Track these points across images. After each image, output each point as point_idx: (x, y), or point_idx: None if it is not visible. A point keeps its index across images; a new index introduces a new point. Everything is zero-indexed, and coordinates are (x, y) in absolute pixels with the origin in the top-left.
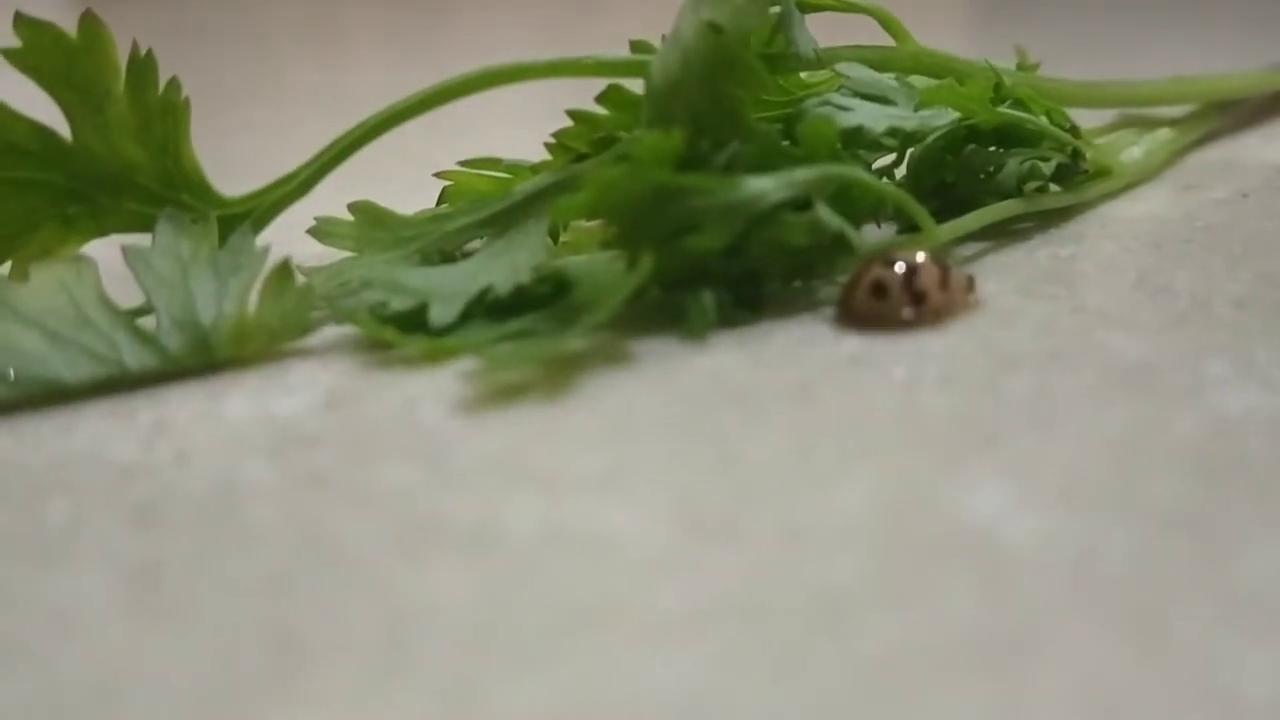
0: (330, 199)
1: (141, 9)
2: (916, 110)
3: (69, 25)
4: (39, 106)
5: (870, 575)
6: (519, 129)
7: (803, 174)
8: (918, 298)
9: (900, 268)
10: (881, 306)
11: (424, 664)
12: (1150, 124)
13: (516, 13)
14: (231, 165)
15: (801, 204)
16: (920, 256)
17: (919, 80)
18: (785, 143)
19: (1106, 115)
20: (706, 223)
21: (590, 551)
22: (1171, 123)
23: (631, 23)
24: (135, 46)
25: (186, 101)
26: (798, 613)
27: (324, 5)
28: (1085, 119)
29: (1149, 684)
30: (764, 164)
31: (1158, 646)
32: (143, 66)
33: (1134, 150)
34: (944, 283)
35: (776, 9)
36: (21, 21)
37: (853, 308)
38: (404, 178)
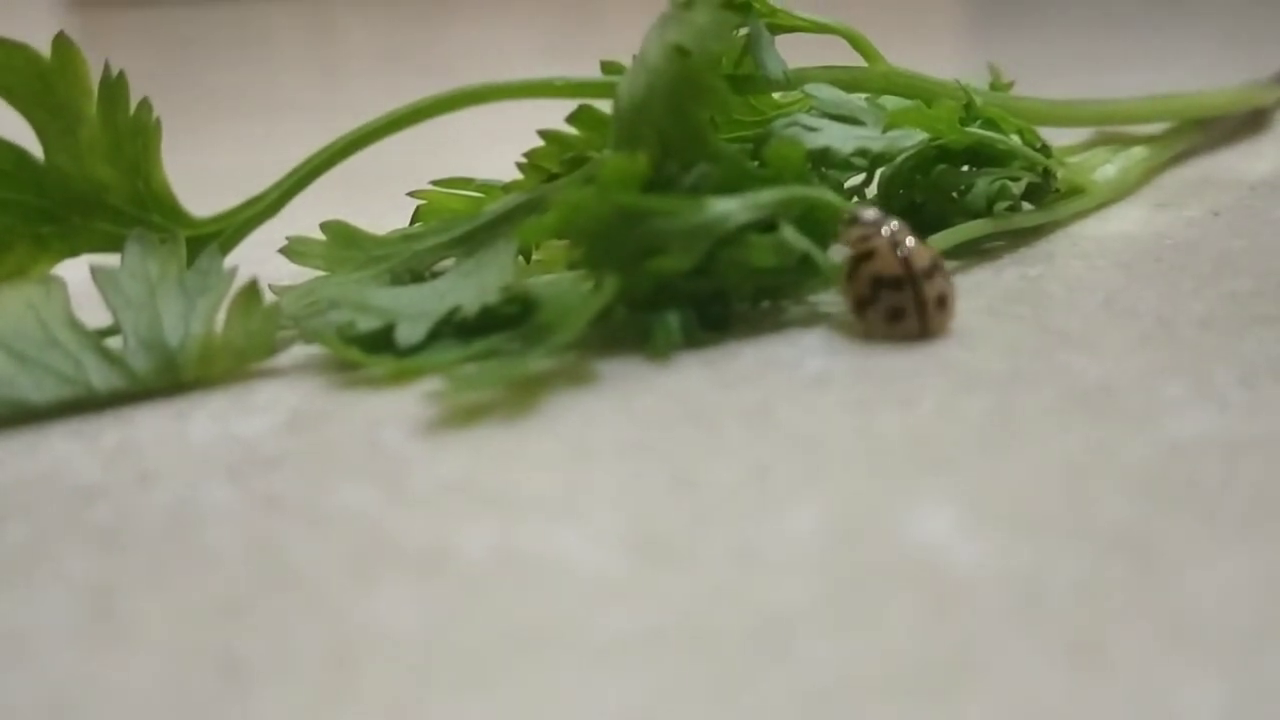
0: (311, 217)
1: (140, 24)
2: (885, 131)
3: (70, 31)
4: (10, 127)
5: (816, 600)
6: (504, 145)
7: (768, 195)
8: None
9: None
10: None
11: (368, 688)
12: (1126, 141)
13: (515, 27)
14: (226, 180)
15: (768, 225)
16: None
17: (891, 100)
18: (753, 163)
19: (1084, 133)
20: (672, 244)
21: (539, 574)
22: (1147, 140)
23: (628, 37)
24: (107, 67)
25: (157, 122)
26: (743, 637)
27: (322, 22)
28: (1062, 137)
29: (1087, 709)
30: (730, 185)
31: (1097, 672)
32: (114, 88)
33: (1108, 168)
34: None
35: (745, 30)
36: None
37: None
38: (387, 195)
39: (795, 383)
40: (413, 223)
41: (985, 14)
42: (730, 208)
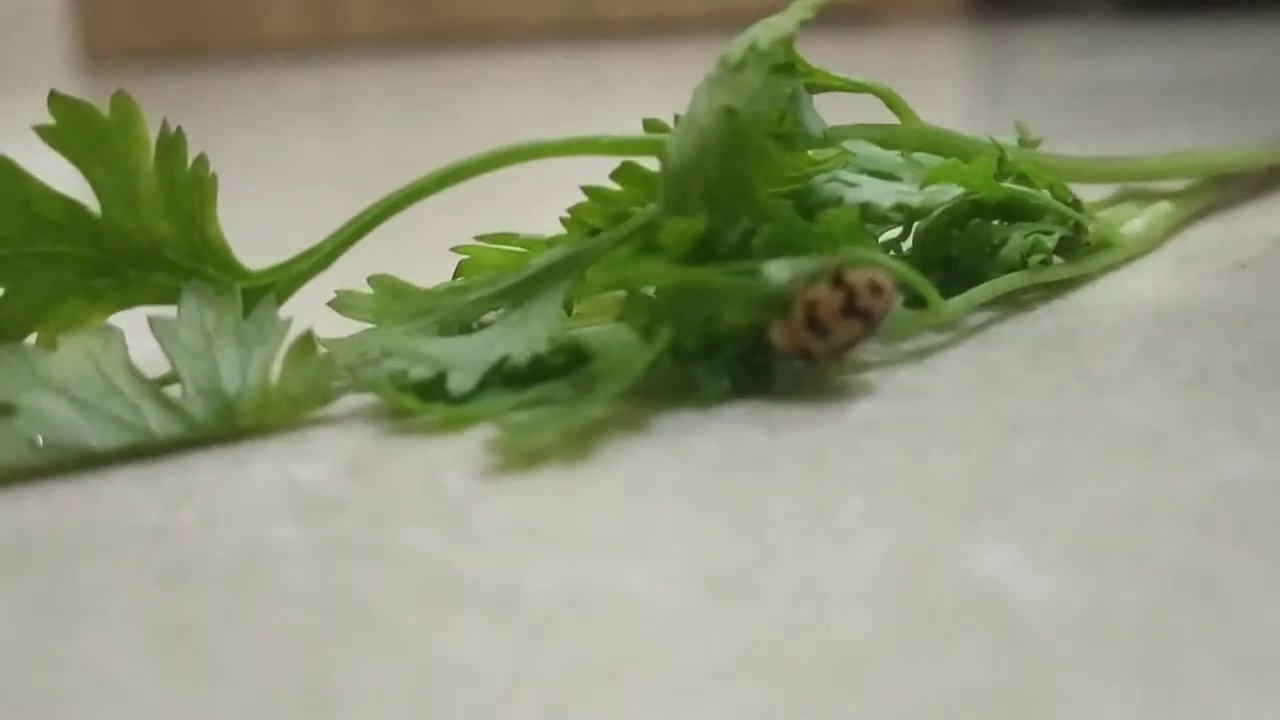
0: (349, 272)
1: (148, 87)
2: (922, 186)
3: (82, 93)
4: (66, 178)
5: (886, 631)
6: (533, 203)
7: (822, 260)
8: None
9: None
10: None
11: (452, 718)
12: (1150, 197)
13: (522, 92)
14: (246, 238)
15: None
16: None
17: (923, 157)
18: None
19: (1108, 189)
20: (730, 311)
21: (611, 610)
22: (1171, 196)
23: (632, 102)
24: (165, 124)
25: (214, 177)
26: (816, 668)
27: (333, 85)
28: (1087, 193)
29: None
30: (785, 243)
31: (1167, 699)
32: (172, 143)
33: (1135, 223)
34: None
35: (788, 90)
36: (56, 100)
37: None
38: (420, 252)
39: (844, 428)
40: (456, 277)
41: (995, 78)
42: (788, 278)
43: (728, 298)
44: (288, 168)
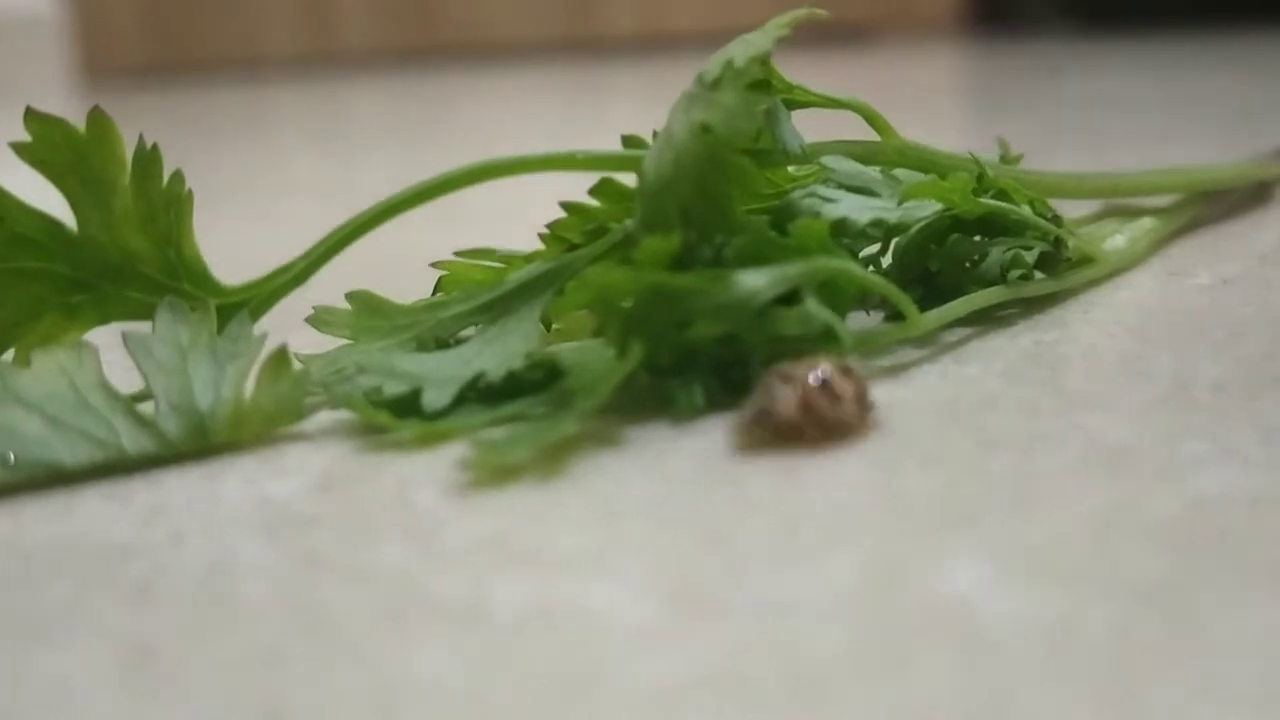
0: (328, 287)
1: (147, 103)
2: (901, 202)
3: (80, 113)
4: (44, 196)
5: (852, 649)
6: (512, 219)
7: (794, 270)
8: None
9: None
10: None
11: None
12: (1134, 213)
13: (520, 108)
14: (235, 255)
15: (791, 295)
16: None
17: (902, 173)
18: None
19: (1091, 205)
20: (701, 319)
21: (577, 627)
22: (1155, 212)
23: (630, 118)
24: (141, 140)
25: (189, 194)
26: (784, 685)
27: (333, 99)
28: (1071, 209)
29: None
30: (756, 255)
31: (1133, 716)
32: (148, 160)
33: (1117, 238)
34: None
35: (765, 107)
36: (31, 117)
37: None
38: (399, 267)
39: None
40: (435, 293)
41: (986, 94)
42: (759, 284)
43: (698, 301)
44: (284, 183)
